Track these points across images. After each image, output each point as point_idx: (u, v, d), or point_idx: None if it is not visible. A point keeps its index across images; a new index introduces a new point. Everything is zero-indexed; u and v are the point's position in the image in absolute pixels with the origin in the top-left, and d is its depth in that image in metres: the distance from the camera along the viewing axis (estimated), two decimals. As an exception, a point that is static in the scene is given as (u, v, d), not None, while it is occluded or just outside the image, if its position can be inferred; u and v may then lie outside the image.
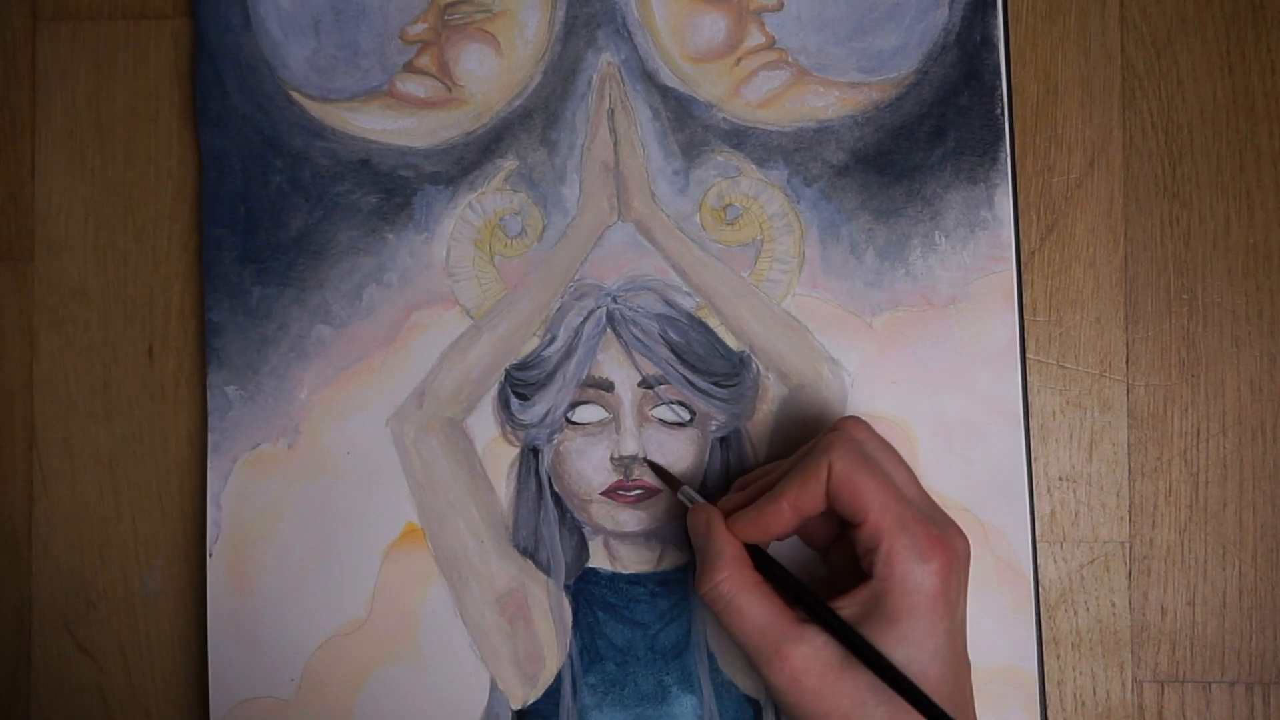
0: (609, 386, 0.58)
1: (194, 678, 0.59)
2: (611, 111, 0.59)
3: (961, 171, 0.58)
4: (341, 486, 0.58)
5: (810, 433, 0.57)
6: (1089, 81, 0.59)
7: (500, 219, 0.59)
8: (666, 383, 0.58)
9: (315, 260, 0.59)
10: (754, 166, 0.58)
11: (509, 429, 0.58)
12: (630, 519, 0.58)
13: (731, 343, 0.58)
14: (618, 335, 0.58)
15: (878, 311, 0.58)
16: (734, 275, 0.58)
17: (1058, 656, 0.58)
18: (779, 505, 0.49)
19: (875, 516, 0.47)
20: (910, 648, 0.46)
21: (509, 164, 0.59)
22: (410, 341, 0.58)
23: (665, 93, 0.59)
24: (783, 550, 0.56)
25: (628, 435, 0.58)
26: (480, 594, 0.58)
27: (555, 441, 0.58)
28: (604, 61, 0.59)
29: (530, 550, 0.58)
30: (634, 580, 0.58)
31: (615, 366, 0.58)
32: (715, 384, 0.58)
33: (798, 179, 0.58)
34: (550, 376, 0.58)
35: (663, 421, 0.58)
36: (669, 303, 0.58)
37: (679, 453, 0.57)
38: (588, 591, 0.58)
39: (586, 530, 0.58)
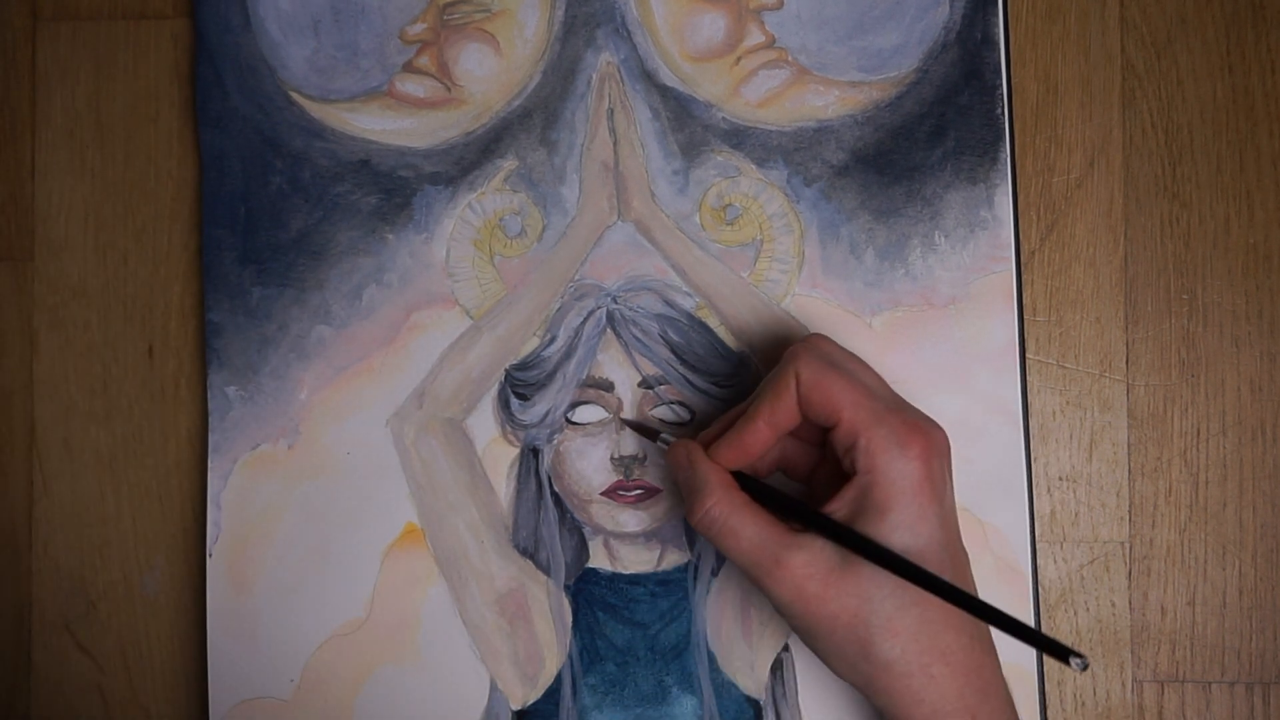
0: (609, 387, 0.58)
1: (194, 678, 0.59)
2: (611, 111, 0.59)
3: (961, 171, 0.57)
4: (341, 487, 0.58)
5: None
6: (1089, 81, 0.59)
7: (500, 219, 0.59)
8: (666, 383, 0.58)
9: (315, 261, 0.59)
10: (754, 166, 0.58)
11: (509, 429, 0.58)
12: (630, 519, 0.58)
13: (731, 343, 0.58)
14: (618, 335, 0.58)
15: (877, 311, 0.58)
16: (734, 275, 0.58)
17: (1058, 656, 0.58)
18: (755, 424, 0.50)
19: (849, 414, 0.47)
20: (905, 534, 0.46)
21: (509, 164, 0.59)
22: (410, 342, 0.58)
23: (665, 92, 0.59)
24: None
25: (628, 435, 0.58)
26: (480, 594, 0.58)
27: (555, 442, 0.58)
28: (603, 61, 0.59)
29: (530, 550, 0.58)
30: (634, 580, 0.58)
31: (615, 367, 0.58)
32: (715, 384, 0.58)
33: (797, 179, 0.58)
34: (550, 377, 0.58)
35: (663, 421, 0.58)
36: (669, 303, 0.58)
37: (679, 453, 0.57)
38: (588, 592, 0.58)
39: (586, 530, 0.58)
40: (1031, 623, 0.56)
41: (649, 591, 0.58)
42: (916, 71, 0.58)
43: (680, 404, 0.58)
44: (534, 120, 0.59)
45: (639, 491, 0.58)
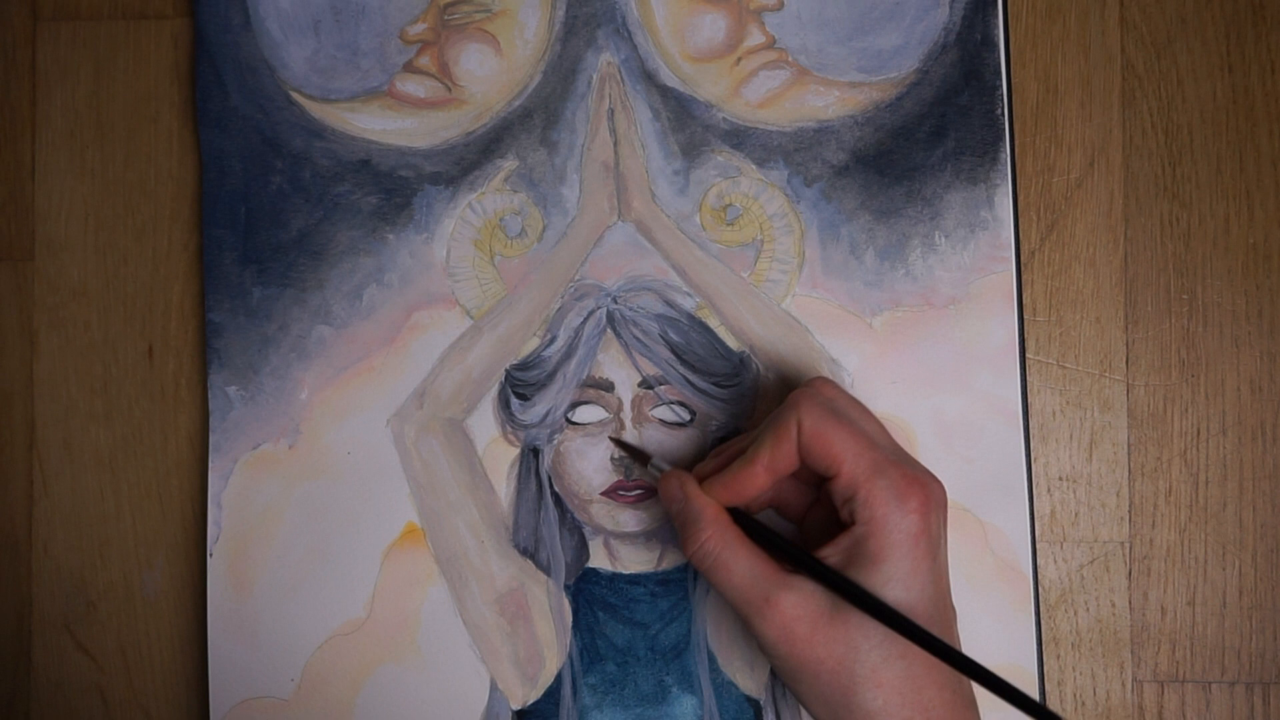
0: (609, 387, 0.58)
1: (194, 678, 0.59)
2: (611, 111, 0.59)
3: (962, 171, 0.58)
4: (342, 486, 0.58)
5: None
6: (1089, 81, 0.59)
7: (500, 219, 0.59)
8: (666, 383, 0.58)
9: (316, 260, 0.59)
10: (754, 166, 0.58)
11: (509, 429, 0.58)
12: (630, 519, 0.58)
13: (732, 343, 0.58)
14: (618, 335, 0.58)
15: (878, 312, 0.58)
16: (734, 275, 0.58)
17: (1058, 656, 0.58)
18: (753, 468, 0.49)
19: (850, 466, 0.47)
20: (897, 587, 0.46)
21: (509, 164, 0.59)
22: (410, 342, 0.58)
23: (665, 93, 0.59)
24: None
25: (628, 436, 0.58)
26: (480, 594, 0.58)
27: (555, 442, 0.58)
28: (604, 61, 0.59)
29: (530, 550, 0.58)
30: (634, 580, 0.58)
31: (615, 367, 0.58)
32: (715, 384, 0.58)
33: (798, 179, 0.58)
34: (550, 377, 0.58)
35: (663, 422, 0.58)
36: (669, 303, 0.58)
37: (679, 453, 0.57)
38: (588, 591, 0.58)
39: (586, 530, 0.58)
40: (1032, 622, 0.56)
41: (649, 591, 0.58)
42: (917, 72, 0.58)
43: (680, 404, 0.58)
44: (534, 120, 0.59)
45: (639, 491, 0.58)
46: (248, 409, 0.58)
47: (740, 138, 0.58)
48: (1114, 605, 0.58)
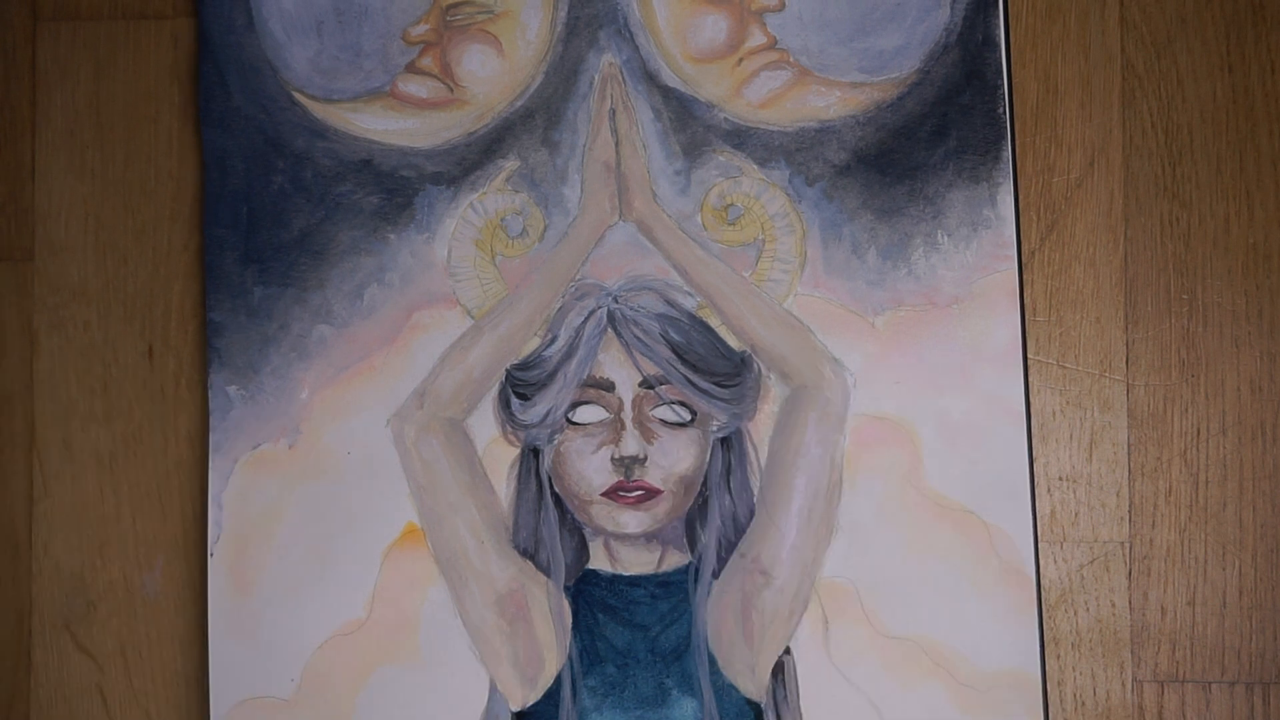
0: (610, 386, 0.58)
1: (194, 678, 0.59)
2: (613, 112, 0.59)
3: (964, 170, 0.58)
4: (342, 487, 0.58)
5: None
6: (1089, 81, 0.59)
7: (502, 219, 0.59)
8: (667, 383, 0.58)
9: (317, 260, 0.59)
10: (755, 166, 0.58)
11: (509, 429, 0.58)
12: (631, 520, 0.58)
13: (733, 343, 0.58)
14: (619, 335, 0.58)
15: (880, 311, 0.58)
16: (735, 275, 0.58)
17: (1058, 656, 0.58)
18: None
19: None
20: None
21: (510, 164, 0.59)
22: (411, 341, 0.58)
23: (667, 93, 0.59)
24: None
25: (628, 435, 0.58)
26: (480, 595, 0.57)
27: (556, 442, 0.58)
28: (605, 62, 0.59)
29: (530, 551, 0.58)
30: (634, 582, 0.58)
31: (616, 366, 0.58)
32: (717, 384, 0.58)
33: (799, 179, 0.58)
34: (551, 376, 0.58)
35: (664, 421, 0.58)
36: (670, 303, 0.58)
37: (680, 453, 0.57)
38: (588, 593, 0.58)
39: (587, 531, 0.58)
40: (1035, 625, 0.56)
41: (649, 593, 0.58)
42: (918, 72, 0.58)
43: (681, 404, 0.58)
44: (536, 121, 0.59)
45: (639, 493, 0.58)
46: (248, 408, 0.58)
47: (742, 138, 0.59)
48: (1114, 605, 0.58)
